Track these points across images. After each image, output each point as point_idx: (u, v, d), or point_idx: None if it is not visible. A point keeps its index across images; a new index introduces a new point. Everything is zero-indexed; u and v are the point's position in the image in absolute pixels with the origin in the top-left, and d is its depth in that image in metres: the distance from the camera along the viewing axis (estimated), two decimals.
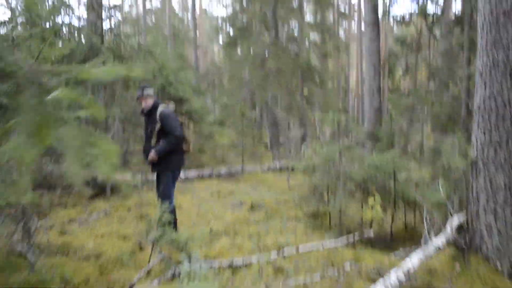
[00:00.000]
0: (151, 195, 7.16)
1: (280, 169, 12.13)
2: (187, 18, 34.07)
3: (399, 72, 16.29)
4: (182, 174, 10.13)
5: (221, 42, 25.11)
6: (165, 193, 4.39)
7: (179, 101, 11.41)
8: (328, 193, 5.28)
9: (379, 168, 4.96)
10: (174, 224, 4.53)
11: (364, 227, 4.99)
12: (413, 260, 3.20)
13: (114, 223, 5.30)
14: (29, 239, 3.64)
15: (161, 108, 4.35)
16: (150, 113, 4.42)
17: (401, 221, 5.35)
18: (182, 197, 7.39)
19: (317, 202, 5.30)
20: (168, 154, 4.28)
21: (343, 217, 5.09)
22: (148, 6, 32.10)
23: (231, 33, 19.91)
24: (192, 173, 10.37)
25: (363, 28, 27.27)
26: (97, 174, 6.94)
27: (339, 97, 24.38)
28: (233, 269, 3.54)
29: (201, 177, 10.55)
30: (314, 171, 5.50)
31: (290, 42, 18.85)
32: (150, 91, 4.45)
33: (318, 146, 5.91)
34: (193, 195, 7.63)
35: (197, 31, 26.25)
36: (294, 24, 20.01)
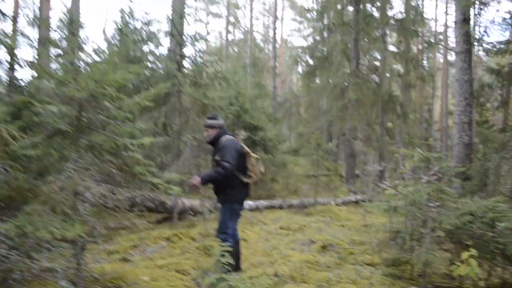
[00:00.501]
0: None
1: (356, 202, 11.40)
2: (268, 48, 34.71)
3: (490, 105, 14.83)
4: (251, 204, 9.89)
5: (300, 71, 25.02)
6: (220, 227, 4.27)
7: (253, 128, 11.28)
8: (411, 239, 4.61)
9: (475, 215, 4.22)
10: (236, 259, 4.26)
11: (452, 283, 4.24)
12: None
13: (176, 254, 5.08)
14: (78, 271, 3.49)
15: (224, 138, 4.30)
16: (214, 143, 4.41)
17: (499, 278, 4.50)
18: (250, 228, 7.06)
19: (398, 249, 4.64)
20: (226, 186, 4.18)
21: (428, 269, 4.38)
22: (231, 37, 33.28)
23: (311, 63, 19.75)
24: (263, 202, 10.05)
25: (450, 57, 25.71)
26: (166, 199, 6.89)
27: (421, 130, 22.89)
28: None
29: (271, 207, 10.19)
30: (396, 213, 4.86)
31: (371, 72, 18.18)
32: (213, 122, 4.42)
33: (401, 185, 5.27)
34: (261, 227, 7.26)
35: (277, 61, 26.54)
36: (376, 54, 19.34)
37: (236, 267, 4.29)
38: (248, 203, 9.69)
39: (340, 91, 16.66)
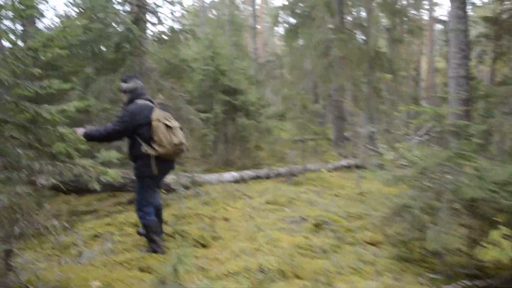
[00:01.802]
0: (196, 204, 6.08)
1: (348, 167, 10.69)
2: (248, 9, 33.05)
3: (486, 57, 14.04)
4: (235, 176, 9.06)
5: (282, 31, 23.73)
6: (136, 204, 4.10)
7: (233, 92, 10.31)
8: (423, 214, 3.84)
9: (500, 183, 3.44)
10: (149, 240, 4.07)
11: (481, 269, 3.50)
12: None
13: (142, 244, 4.24)
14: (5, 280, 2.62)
15: (132, 105, 4.01)
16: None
17: None
18: (232, 204, 6.24)
19: (408, 226, 3.86)
20: (135, 157, 4.00)
21: (444, 250, 3.62)
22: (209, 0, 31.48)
23: (292, 21, 18.52)
24: (248, 173, 9.23)
25: (436, 13, 24.49)
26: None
27: (410, 88, 22.08)
28: None
29: (257, 178, 9.39)
30: (401, 183, 4.07)
31: (357, 28, 17.07)
32: (124, 85, 4.13)
33: (403, 148, 4.45)
34: (245, 202, 6.44)
35: (257, 22, 25.13)
36: (361, 7, 18.16)
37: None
38: (232, 175, 8.86)
39: (324, 49, 15.62)
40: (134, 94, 4.06)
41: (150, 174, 3.92)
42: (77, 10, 6.08)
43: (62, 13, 11.01)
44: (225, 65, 10.19)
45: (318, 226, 4.80)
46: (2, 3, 2.76)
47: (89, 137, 3.74)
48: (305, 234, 4.52)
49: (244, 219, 5.40)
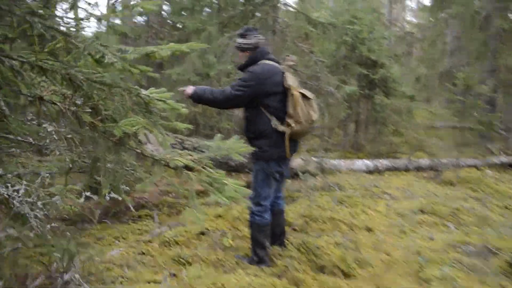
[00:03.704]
0: (328, 202, 4.82)
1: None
2: None
3: None
4: (368, 164, 7.59)
5: None
6: (253, 197, 3.08)
7: (372, 65, 8.70)
8: None
9: None
10: (277, 235, 3.28)
11: None
12: None
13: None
14: None
15: (257, 67, 3.03)
16: (241, 69, 3.21)
17: None
18: (373, 206, 4.86)
19: None
20: (256, 134, 3.03)
21: None
22: None
23: None
24: (384, 162, 7.71)
25: None
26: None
27: None
28: None
29: (394, 169, 7.83)
30: None
31: None
32: (243, 41, 3.11)
33: None
34: (389, 204, 5.00)
35: None
36: None
37: (279, 242, 3.31)
38: (364, 163, 7.44)
39: (484, 19, 12.84)
40: (257, 53, 3.10)
41: (280, 156, 3.03)
42: None
43: None
44: (365, 32, 8.58)
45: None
46: None
47: (198, 99, 3.01)
48: (502, 282, 2.97)
49: (395, 234, 4.01)
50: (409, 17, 24.21)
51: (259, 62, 3.04)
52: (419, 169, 8.10)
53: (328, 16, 8.25)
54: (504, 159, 9.34)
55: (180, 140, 4.69)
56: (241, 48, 3.14)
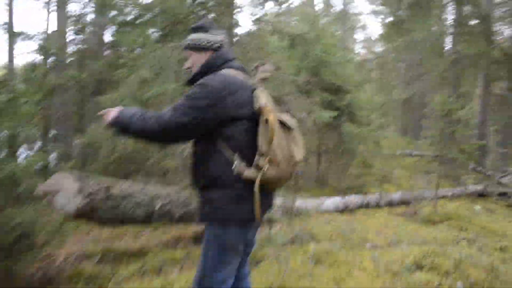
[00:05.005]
0: (304, 261, 3.79)
1: (482, 195, 8.04)
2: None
3: None
4: (336, 203, 6.68)
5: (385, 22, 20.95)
6: (198, 277, 1.92)
7: (337, 90, 7.96)
8: None
9: None
10: None
11: None
12: None
13: None
14: None
15: (215, 76, 1.88)
16: (192, 83, 1.96)
17: None
18: (356, 262, 3.85)
19: None
20: (207, 181, 1.87)
21: None
22: None
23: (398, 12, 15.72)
24: (354, 200, 6.89)
25: None
26: None
27: None
28: None
29: (365, 206, 7.05)
30: None
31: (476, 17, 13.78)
32: (197, 36, 2.00)
33: None
34: (376, 258, 4.02)
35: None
36: None
37: None
38: (333, 201, 6.54)
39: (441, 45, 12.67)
40: (216, 58, 1.99)
41: (245, 217, 1.87)
42: None
43: None
44: (327, 55, 7.83)
45: None
46: None
47: (123, 127, 1.90)
48: None
49: None
50: (365, 45, 24.37)
51: (218, 72, 1.95)
52: (391, 204, 7.39)
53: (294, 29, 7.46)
54: (473, 188, 8.89)
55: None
56: (197, 47, 2.03)
